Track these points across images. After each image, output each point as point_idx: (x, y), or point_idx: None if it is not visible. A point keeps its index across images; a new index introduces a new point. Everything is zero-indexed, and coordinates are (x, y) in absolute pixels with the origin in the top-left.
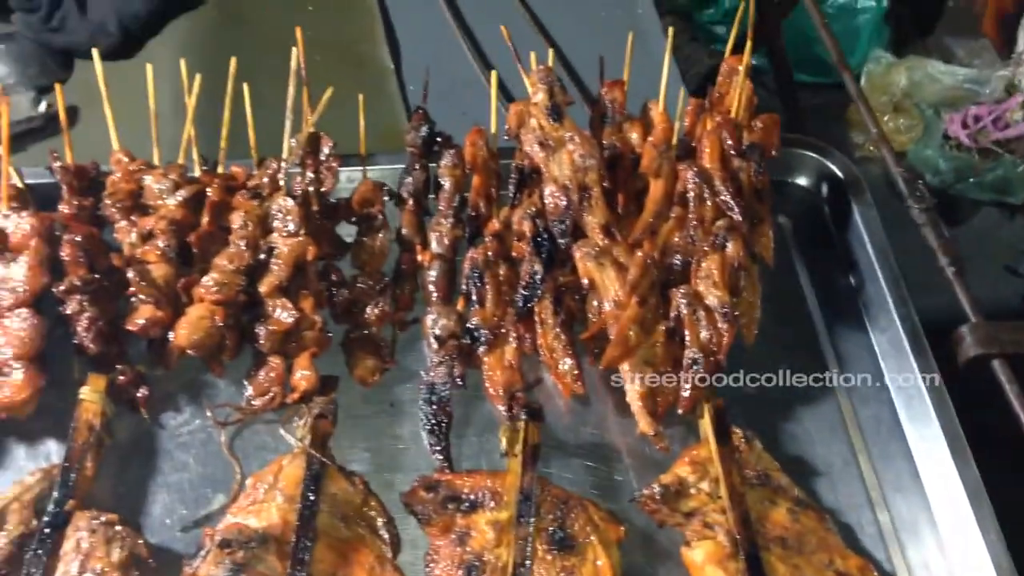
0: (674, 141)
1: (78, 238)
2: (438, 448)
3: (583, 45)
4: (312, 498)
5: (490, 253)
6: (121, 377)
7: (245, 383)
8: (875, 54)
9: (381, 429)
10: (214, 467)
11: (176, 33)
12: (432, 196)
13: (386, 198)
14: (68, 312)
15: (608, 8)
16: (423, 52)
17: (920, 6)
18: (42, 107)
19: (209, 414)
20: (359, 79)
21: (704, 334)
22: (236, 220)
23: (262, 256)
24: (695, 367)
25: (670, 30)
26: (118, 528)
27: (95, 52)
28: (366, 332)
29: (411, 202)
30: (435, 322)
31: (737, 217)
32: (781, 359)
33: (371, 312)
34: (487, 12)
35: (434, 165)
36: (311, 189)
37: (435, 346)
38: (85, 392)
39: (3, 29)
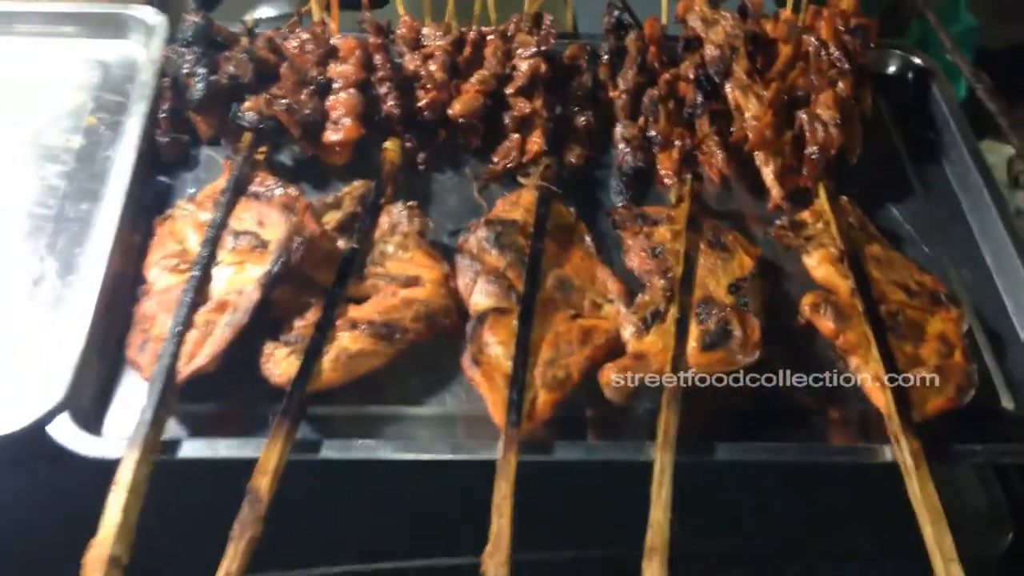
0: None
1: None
2: (624, 203)
3: None
4: (544, 209)
5: (662, 92)
6: (408, 144)
7: (491, 156)
8: None
9: (581, 195)
10: (468, 206)
11: None
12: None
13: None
14: (380, 93)
15: None
16: None
17: None
18: None
19: (467, 170)
20: None
21: (820, 135)
22: (489, 50)
23: (508, 71)
24: (814, 156)
25: None
26: (415, 208)
27: None
28: (575, 132)
29: (606, 58)
30: (624, 129)
31: (846, 65)
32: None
33: (579, 120)
34: None
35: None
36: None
37: (623, 144)
38: (388, 145)
39: None
